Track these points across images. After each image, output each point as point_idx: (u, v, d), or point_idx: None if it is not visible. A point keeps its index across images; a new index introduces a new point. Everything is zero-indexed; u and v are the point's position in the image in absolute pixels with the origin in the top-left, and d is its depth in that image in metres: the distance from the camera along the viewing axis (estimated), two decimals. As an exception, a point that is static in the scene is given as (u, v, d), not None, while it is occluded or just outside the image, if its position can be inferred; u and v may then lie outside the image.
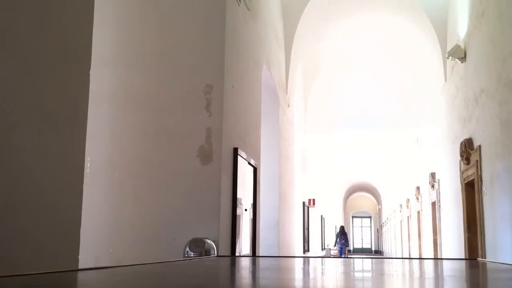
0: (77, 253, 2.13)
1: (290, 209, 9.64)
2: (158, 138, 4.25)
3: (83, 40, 2.25)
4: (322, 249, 20.06)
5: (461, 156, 7.43)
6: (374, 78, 14.33)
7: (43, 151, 1.97)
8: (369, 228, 45.66)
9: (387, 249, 33.29)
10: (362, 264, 2.46)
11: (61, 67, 2.11)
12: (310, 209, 14.64)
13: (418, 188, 14.52)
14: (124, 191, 4.23)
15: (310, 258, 4.57)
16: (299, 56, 10.23)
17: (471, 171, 7.11)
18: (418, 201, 14.65)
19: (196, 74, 4.28)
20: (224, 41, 4.36)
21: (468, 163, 7.25)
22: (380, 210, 39.62)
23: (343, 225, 26.87)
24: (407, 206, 18.23)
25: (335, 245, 23.07)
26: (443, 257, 9.38)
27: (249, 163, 5.30)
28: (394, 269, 2.20)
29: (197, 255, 3.72)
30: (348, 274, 1.91)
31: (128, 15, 4.52)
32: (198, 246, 3.79)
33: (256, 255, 5.62)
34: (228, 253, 4.32)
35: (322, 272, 2.02)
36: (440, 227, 10.33)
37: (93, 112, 2.49)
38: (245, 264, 2.58)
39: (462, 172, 7.73)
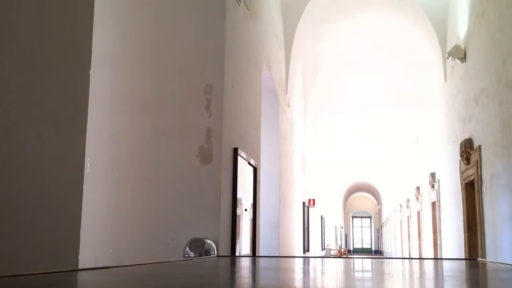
0: (77, 253, 2.13)
1: (290, 209, 9.64)
2: (158, 138, 4.25)
3: (83, 40, 2.25)
4: (322, 249, 20.07)
5: (461, 156, 7.43)
6: (374, 78, 14.33)
7: (43, 151, 1.97)
8: (369, 228, 45.69)
9: (387, 249, 33.31)
10: (362, 264, 2.46)
11: (61, 67, 2.11)
12: (310, 209, 14.63)
13: (418, 188, 14.52)
14: (124, 191, 4.23)
15: (310, 258, 4.57)
16: (299, 56, 10.23)
17: (471, 171, 7.11)
18: (418, 201, 14.65)
19: (196, 74, 4.28)
20: (224, 41, 4.36)
21: (468, 163, 7.25)
22: (380, 210, 39.64)
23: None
24: (407, 206, 18.23)
25: None
26: (443, 257, 9.38)
27: (249, 163, 5.30)
28: (394, 269, 2.20)
29: (197, 255, 3.72)
30: (348, 274, 1.91)
31: (128, 15, 4.52)
32: (198, 246, 3.79)
33: (256, 255, 5.62)
34: (228, 253, 4.31)
35: (322, 272, 2.02)
36: (440, 227, 10.33)
37: (93, 112, 2.49)
38: (245, 264, 2.58)
39: (462, 172, 7.73)
